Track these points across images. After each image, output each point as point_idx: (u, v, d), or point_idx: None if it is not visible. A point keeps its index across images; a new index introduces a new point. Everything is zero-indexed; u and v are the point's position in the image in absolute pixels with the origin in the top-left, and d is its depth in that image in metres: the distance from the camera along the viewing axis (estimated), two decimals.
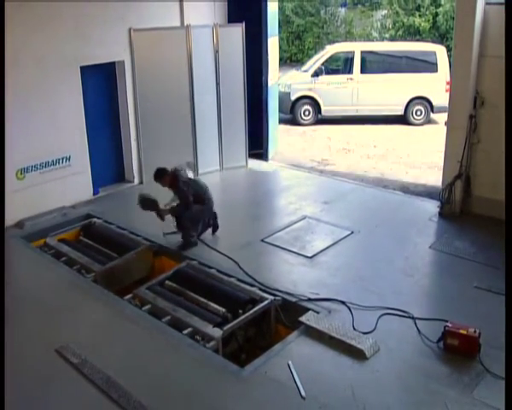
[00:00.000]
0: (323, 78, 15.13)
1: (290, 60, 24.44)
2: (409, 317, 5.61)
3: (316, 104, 15.21)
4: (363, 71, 15.01)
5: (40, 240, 7.71)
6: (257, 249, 7.30)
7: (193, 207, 7.25)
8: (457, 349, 5.01)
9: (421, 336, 5.35)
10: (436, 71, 14.70)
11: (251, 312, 5.78)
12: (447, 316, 5.60)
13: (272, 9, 10.92)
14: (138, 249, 7.29)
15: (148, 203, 7.34)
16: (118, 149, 9.92)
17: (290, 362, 4.93)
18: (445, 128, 8.25)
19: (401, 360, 5.03)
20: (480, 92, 7.75)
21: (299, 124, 15.13)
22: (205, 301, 6.10)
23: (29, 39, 7.93)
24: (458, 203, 8.08)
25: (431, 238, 7.49)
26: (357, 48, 15.53)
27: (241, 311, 5.78)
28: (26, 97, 8.02)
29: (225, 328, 5.50)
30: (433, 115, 14.95)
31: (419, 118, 15.00)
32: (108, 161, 9.77)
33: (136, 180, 9.91)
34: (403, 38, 21.82)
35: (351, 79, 15.04)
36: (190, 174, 7.67)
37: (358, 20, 24.55)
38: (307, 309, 5.73)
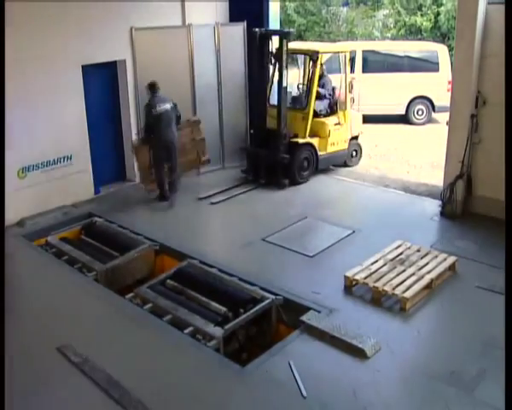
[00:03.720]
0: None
1: (291, 59, 24.40)
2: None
3: None
4: (364, 70, 15.00)
5: (41, 239, 7.72)
6: (258, 248, 7.30)
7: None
8: None
9: (422, 337, 5.36)
10: (437, 70, 14.69)
11: (252, 311, 5.78)
12: (448, 316, 5.62)
13: (274, 8, 10.92)
14: (139, 248, 7.29)
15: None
16: (119, 148, 9.92)
17: (291, 361, 4.93)
18: (446, 128, 8.25)
19: (402, 359, 5.03)
20: (481, 92, 7.75)
21: None
22: (206, 300, 6.10)
23: (31, 38, 7.93)
24: (460, 203, 8.08)
25: (432, 238, 7.49)
26: (358, 47, 15.51)
27: (242, 310, 5.79)
28: (27, 96, 8.03)
29: (226, 327, 5.50)
30: (434, 115, 14.95)
31: (420, 117, 15.00)
32: (110, 160, 9.78)
33: (138, 179, 9.91)
34: (404, 38, 21.81)
35: (352, 78, 15.00)
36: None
37: (360, 19, 24.53)
38: (308, 308, 5.74)
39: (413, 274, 6.21)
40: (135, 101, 9.61)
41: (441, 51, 14.96)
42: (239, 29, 10.12)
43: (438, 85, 14.47)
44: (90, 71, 8.91)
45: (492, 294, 5.93)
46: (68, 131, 8.69)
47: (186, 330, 5.50)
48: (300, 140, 9.74)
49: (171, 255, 7.33)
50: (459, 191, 8.05)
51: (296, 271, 6.74)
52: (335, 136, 10.19)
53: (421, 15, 22.12)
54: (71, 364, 4.99)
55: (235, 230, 8.04)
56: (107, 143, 9.67)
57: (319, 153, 9.93)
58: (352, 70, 14.98)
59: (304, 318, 5.56)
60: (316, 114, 10.04)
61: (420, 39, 20.98)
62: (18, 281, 6.45)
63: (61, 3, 8.16)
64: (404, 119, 14.99)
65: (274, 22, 11.01)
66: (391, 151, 12.51)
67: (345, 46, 11.28)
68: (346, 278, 6.22)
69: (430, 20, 21.89)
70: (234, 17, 10.59)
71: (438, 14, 21.73)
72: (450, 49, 14.49)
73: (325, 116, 10.23)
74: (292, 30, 9.94)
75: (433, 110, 14.88)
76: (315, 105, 9.94)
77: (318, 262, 6.89)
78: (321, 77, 10.23)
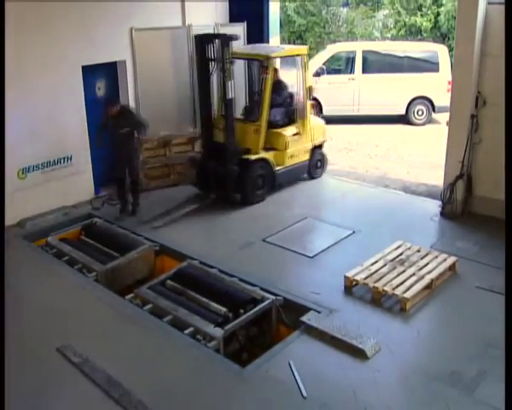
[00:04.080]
0: (325, 77, 15.12)
1: None
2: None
3: (317, 104, 15.19)
4: (364, 71, 15.02)
5: (41, 239, 7.72)
6: (258, 249, 7.30)
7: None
8: None
9: (422, 337, 5.36)
10: (438, 71, 14.71)
11: (252, 311, 5.78)
12: (447, 317, 5.61)
13: (274, 9, 10.94)
14: (139, 249, 7.28)
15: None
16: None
17: (291, 362, 4.93)
18: (446, 128, 8.25)
19: (402, 359, 5.02)
20: (481, 92, 7.75)
21: None
22: (206, 300, 6.10)
23: (31, 39, 7.94)
24: (460, 203, 8.08)
25: (432, 238, 7.49)
26: (358, 47, 15.54)
27: (242, 310, 5.79)
28: (27, 97, 8.03)
29: (226, 328, 5.50)
30: (434, 115, 14.95)
31: (420, 118, 15.01)
32: (110, 161, 9.74)
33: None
34: (404, 38, 21.80)
35: (352, 78, 15.04)
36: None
37: (360, 19, 24.52)
38: (308, 309, 5.74)
39: (413, 275, 6.21)
40: (135, 101, 9.61)
41: (441, 51, 14.97)
42: (239, 30, 10.11)
43: (438, 86, 14.48)
44: (90, 71, 8.91)
45: (492, 294, 5.93)
46: (68, 131, 8.70)
47: (186, 331, 5.50)
48: (252, 156, 8.79)
49: (171, 256, 7.34)
50: (459, 191, 8.04)
51: (296, 271, 6.74)
52: (294, 147, 9.31)
53: (422, 16, 22.11)
54: (71, 364, 4.99)
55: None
56: (107, 143, 9.64)
57: (276, 168, 9.05)
58: (353, 70, 15.11)
59: (304, 318, 5.56)
60: (272, 125, 9.15)
61: (420, 40, 20.98)
62: (18, 282, 6.45)
63: (61, 4, 8.17)
64: (404, 119, 14.99)
65: (274, 23, 11.03)
66: (391, 151, 12.51)
67: (301, 48, 9.85)
68: (346, 278, 6.22)
69: (430, 20, 21.88)
70: (234, 17, 10.60)
71: (438, 14, 21.72)
72: (451, 49, 14.51)
73: (282, 126, 9.31)
74: (236, 34, 8.59)
75: (433, 110, 14.89)
76: (269, 115, 9.00)
77: (318, 263, 6.89)
78: (276, 83, 9.26)
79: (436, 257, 6.60)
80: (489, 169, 7.83)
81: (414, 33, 22.16)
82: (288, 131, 9.31)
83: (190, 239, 7.63)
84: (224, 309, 5.84)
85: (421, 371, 4.85)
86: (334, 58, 15.80)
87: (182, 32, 9.80)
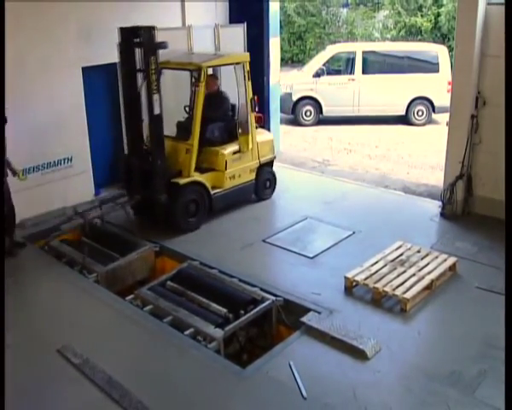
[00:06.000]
0: (325, 78, 15.14)
1: (291, 60, 24.48)
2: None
3: (317, 105, 15.22)
4: (364, 71, 15.03)
5: (41, 240, 7.71)
6: (258, 250, 7.30)
7: None
8: None
9: (422, 337, 5.36)
10: (438, 71, 14.73)
11: (252, 312, 5.78)
12: (448, 317, 5.61)
13: (274, 9, 10.94)
14: (140, 250, 7.28)
15: None
16: (119, 149, 9.91)
17: (292, 362, 4.93)
18: (446, 128, 8.25)
19: (402, 360, 5.03)
20: (481, 92, 7.76)
21: (300, 124, 15.16)
22: (206, 301, 6.09)
23: (31, 40, 7.94)
24: (460, 203, 8.09)
25: (432, 239, 7.49)
26: (358, 48, 15.56)
27: (242, 311, 5.79)
28: (27, 98, 8.02)
29: (227, 328, 5.50)
30: (434, 115, 14.97)
31: (420, 118, 15.02)
32: (110, 162, 9.78)
33: None
34: (404, 39, 21.84)
35: (352, 79, 15.05)
36: None
37: (360, 20, 24.56)
38: (309, 309, 5.74)
39: (413, 275, 6.21)
40: None
41: (441, 52, 14.99)
42: (239, 30, 10.11)
43: (438, 86, 14.50)
44: (90, 72, 8.91)
45: (492, 294, 5.93)
46: (68, 132, 8.68)
47: (186, 332, 5.49)
48: (182, 180, 7.67)
49: (171, 257, 7.34)
50: (459, 192, 8.05)
51: (296, 272, 6.74)
52: (236, 167, 8.27)
53: (422, 16, 22.17)
54: (71, 365, 4.99)
55: None
56: (107, 144, 9.66)
57: (212, 191, 7.99)
58: (353, 71, 15.13)
59: (304, 319, 5.57)
60: (210, 142, 8.15)
61: (420, 40, 21.01)
62: (18, 283, 6.45)
63: (60, 4, 8.17)
64: (404, 119, 15.00)
65: (274, 23, 11.02)
66: (391, 152, 12.52)
67: (241, 56, 8.57)
68: (346, 279, 6.22)
69: (430, 20, 21.93)
70: (234, 18, 10.60)
71: (438, 14, 21.77)
72: (451, 49, 14.52)
73: (222, 143, 8.24)
74: (165, 42, 7.42)
75: (434, 111, 14.90)
76: (203, 132, 7.96)
77: (318, 263, 6.89)
78: (215, 95, 8.46)
79: (436, 257, 6.60)
80: (489, 169, 7.84)
81: (414, 34, 22.22)
82: (228, 148, 8.24)
83: (190, 239, 7.64)
84: (224, 310, 5.84)
85: (421, 371, 4.85)
86: (334, 59, 15.82)
87: (182, 33, 9.79)
